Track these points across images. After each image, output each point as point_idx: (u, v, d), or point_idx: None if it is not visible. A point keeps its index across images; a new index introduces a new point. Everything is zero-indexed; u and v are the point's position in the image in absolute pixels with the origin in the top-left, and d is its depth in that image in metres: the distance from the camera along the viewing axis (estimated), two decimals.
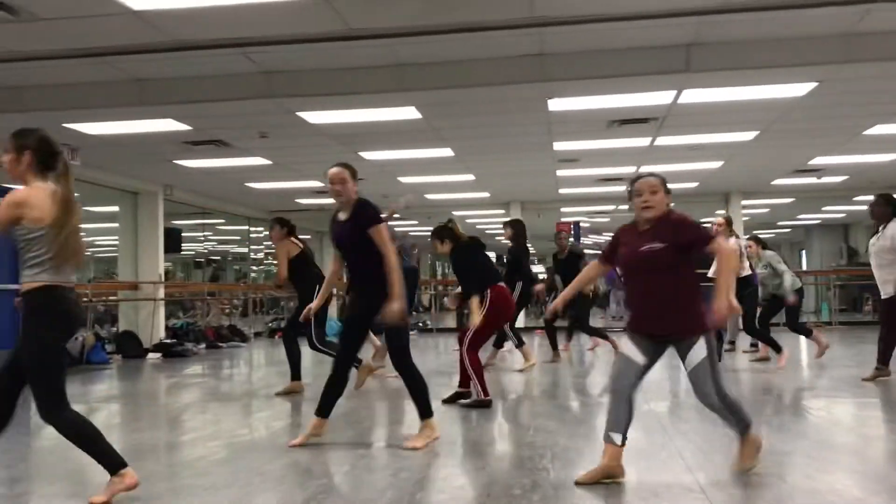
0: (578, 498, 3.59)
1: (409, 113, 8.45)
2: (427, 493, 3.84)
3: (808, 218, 22.71)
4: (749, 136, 10.28)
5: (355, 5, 5.80)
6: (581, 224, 19.36)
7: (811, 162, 12.57)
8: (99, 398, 7.64)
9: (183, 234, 16.27)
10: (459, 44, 6.77)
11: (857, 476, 3.98)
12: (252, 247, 19.94)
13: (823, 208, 20.06)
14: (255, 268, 20.84)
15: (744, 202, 16.58)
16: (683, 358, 3.77)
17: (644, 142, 10.51)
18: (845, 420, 5.74)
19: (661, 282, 3.78)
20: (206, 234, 20.11)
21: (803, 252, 27.28)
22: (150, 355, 11.80)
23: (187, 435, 5.63)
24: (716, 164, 12.60)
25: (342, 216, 4.91)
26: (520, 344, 8.87)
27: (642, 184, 3.99)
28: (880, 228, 7.18)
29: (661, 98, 8.15)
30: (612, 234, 4.28)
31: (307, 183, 13.42)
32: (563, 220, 19.04)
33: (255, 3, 5.70)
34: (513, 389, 7.50)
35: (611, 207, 17.64)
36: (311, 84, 7.47)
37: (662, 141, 10.43)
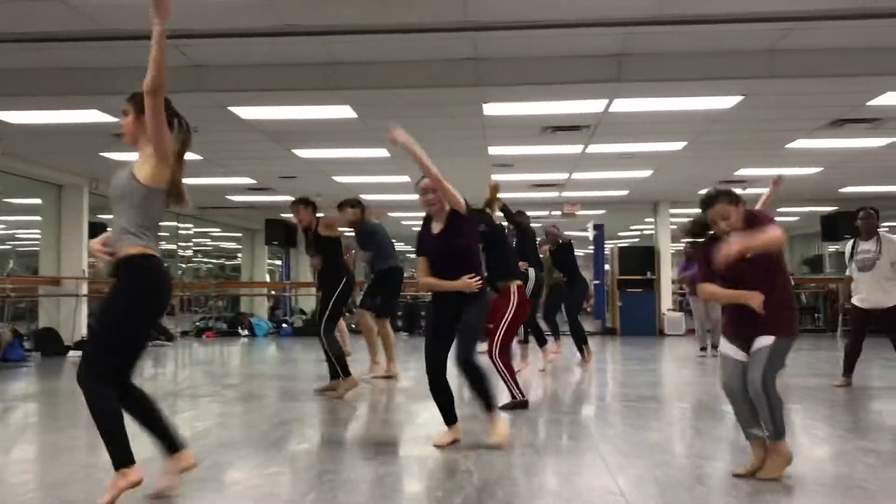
0: (499, 501, 3.62)
1: (345, 112, 8.40)
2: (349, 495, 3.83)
3: None
4: (678, 146, 10.53)
5: (291, 2, 5.74)
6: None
7: (737, 173, 12.95)
8: (15, 396, 7.38)
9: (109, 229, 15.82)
10: (395, 44, 6.77)
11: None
12: (180, 244, 19.52)
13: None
14: (182, 265, 20.41)
15: (672, 210, 16.98)
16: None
17: (576, 149, 10.67)
18: None
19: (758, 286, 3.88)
20: None
21: None
22: (71, 353, 11.43)
23: None
24: (646, 173, 12.87)
25: (436, 227, 4.90)
26: (543, 342, 9.03)
27: (713, 214, 4.12)
28: (869, 243, 7.25)
29: (593, 106, 8.28)
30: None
31: (239, 179, 13.21)
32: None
33: None
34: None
35: (544, 213, 17.85)
36: (244, 79, 7.36)
37: (594, 149, 10.61)
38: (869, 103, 8.14)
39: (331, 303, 6.91)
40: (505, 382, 6.05)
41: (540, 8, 5.81)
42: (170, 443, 3.59)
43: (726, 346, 4.06)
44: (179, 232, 18.69)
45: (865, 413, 6.31)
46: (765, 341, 3.86)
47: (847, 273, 7.58)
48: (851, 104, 8.27)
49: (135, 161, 3.64)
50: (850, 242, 7.57)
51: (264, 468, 4.31)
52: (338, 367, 6.80)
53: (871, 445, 4.75)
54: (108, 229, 3.74)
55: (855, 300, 7.34)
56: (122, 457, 3.40)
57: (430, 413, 6.24)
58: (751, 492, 3.71)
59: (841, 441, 4.99)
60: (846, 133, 9.59)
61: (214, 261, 29.85)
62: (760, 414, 3.89)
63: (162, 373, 9.98)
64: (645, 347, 11.64)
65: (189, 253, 21.55)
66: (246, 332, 16.42)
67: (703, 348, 10.81)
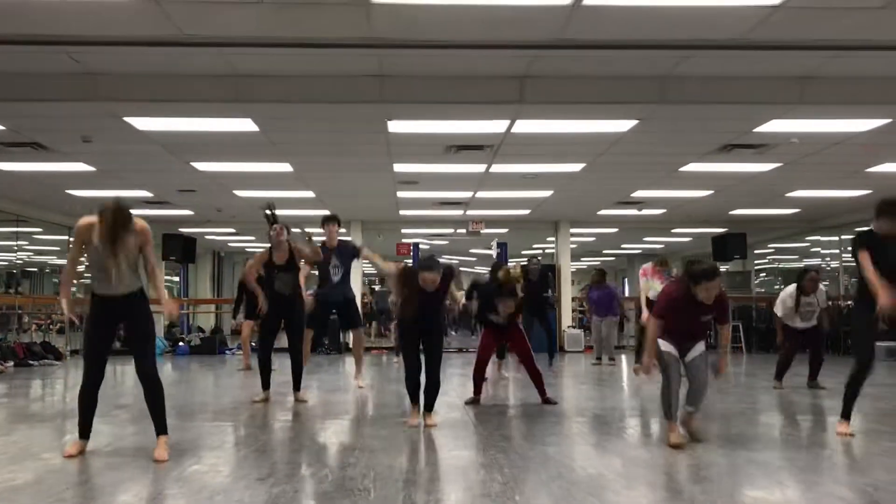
0: None
1: (246, 125, 8.26)
2: None
3: (631, 247, 24.16)
4: (577, 167, 10.81)
5: (188, 11, 5.62)
6: (420, 245, 19.61)
7: (633, 194, 13.39)
8: None
9: None
10: (299, 58, 6.72)
11: (660, 491, 4.23)
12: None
13: (644, 238, 21.40)
14: (75, 281, 19.53)
15: (572, 230, 17.40)
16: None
17: (480, 168, 10.81)
18: (658, 437, 6.10)
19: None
20: (20, 243, 18.66)
21: (626, 279, 28.98)
22: None
23: None
24: (547, 193, 13.15)
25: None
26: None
27: (713, 284, 5.19)
28: (811, 297, 8.60)
29: (495, 126, 8.43)
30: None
31: (134, 192, 12.78)
32: (404, 241, 19.22)
33: (78, 1, 5.39)
34: (344, 410, 7.44)
35: (449, 230, 17.98)
36: (139, 89, 7.16)
37: (497, 168, 10.78)
38: (755, 130, 8.58)
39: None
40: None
41: (444, 28, 5.89)
42: None
43: (668, 347, 5.36)
44: (70, 246, 17.90)
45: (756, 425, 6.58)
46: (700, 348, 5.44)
47: (780, 314, 8.85)
48: (740, 130, 8.69)
49: None
50: (795, 295, 8.65)
51: (152, 490, 4.15)
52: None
53: (758, 456, 4.96)
54: None
55: (790, 324, 8.75)
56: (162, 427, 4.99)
57: (330, 431, 6.17)
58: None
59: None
60: (735, 158, 10.06)
61: None
62: (700, 398, 5.45)
63: (50, 392, 9.51)
64: (544, 362, 11.82)
65: (81, 269, 20.62)
66: None
67: (599, 358, 12.54)
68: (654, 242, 21.96)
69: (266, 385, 7.54)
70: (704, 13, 5.75)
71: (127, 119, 7.96)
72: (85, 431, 5.06)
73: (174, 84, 7.14)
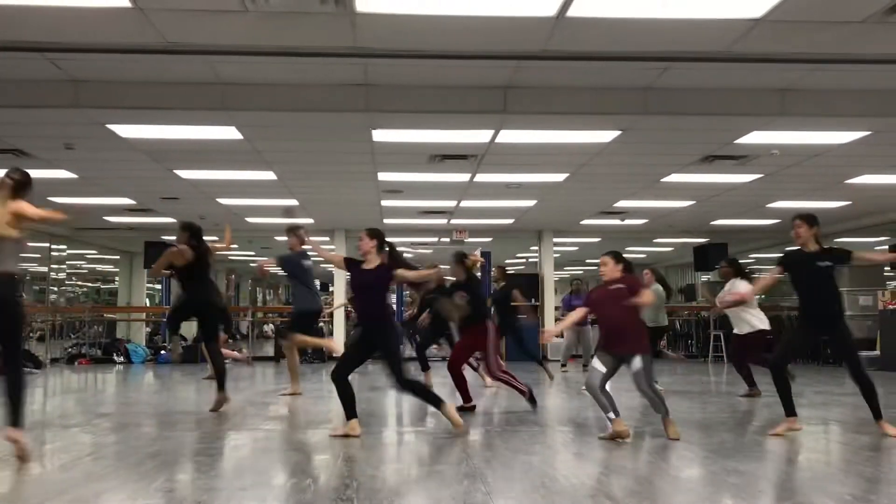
0: None
1: (230, 133, 8.23)
2: None
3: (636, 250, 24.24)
4: (560, 177, 10.86)
5: (173, 19, 5.61)
6: (405, 254, 19.57)
7: (616, 204, 13.46)
8: None
9: None
10: (284, 66, 6.71)
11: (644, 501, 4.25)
12: (52, 266, 18.54)
13: (627, 248, 21.50)
14: (55, 288, 19.39)
15: (555, 239, 17.46)
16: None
17: (464, 177, 10.84)
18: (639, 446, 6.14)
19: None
20: None
21: None
22: None
23: None
24: (530, 203, 13.19)
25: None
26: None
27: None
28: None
29: (480, 136, 8.45)
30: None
31: (117, 200, 12.71)
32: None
33: (61, 6, 5.37)
34: (327, 419, 7.42)
35: (433, 239, 17.99)
36: (123, 96, 7.11)
37: (481, 178, 10.81)
38: (737, 141, 8.66)
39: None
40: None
41: (429, 38, 5.91)
42: None
43: (596, 361, 5.98)
44: (52, 254, 17.76)
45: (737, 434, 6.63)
46: (637, 361, 5.85)
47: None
48: (721, 141, 8.76)
49: None
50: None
51: (133, 501, 4.12)
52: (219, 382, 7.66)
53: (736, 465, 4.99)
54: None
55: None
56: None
57: (309, 441, 6.15)
58: None
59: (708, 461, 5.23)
60: (716, 169, 10.14)
61: (90, 284, 28.47)
62: (653, 406, 5.99)
63: (29, 402, 9.40)
64: (529, 372, 11.84)
65: (62, 276, 20.49)
66: (122, 358, 15.72)
67: (564, 365, 13.03)
68: (637, 252, 22.06)
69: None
70: (687, 26, 5.80)
71: (110, 126, 7.91)
72: None
73: (158, 92, 7.11)
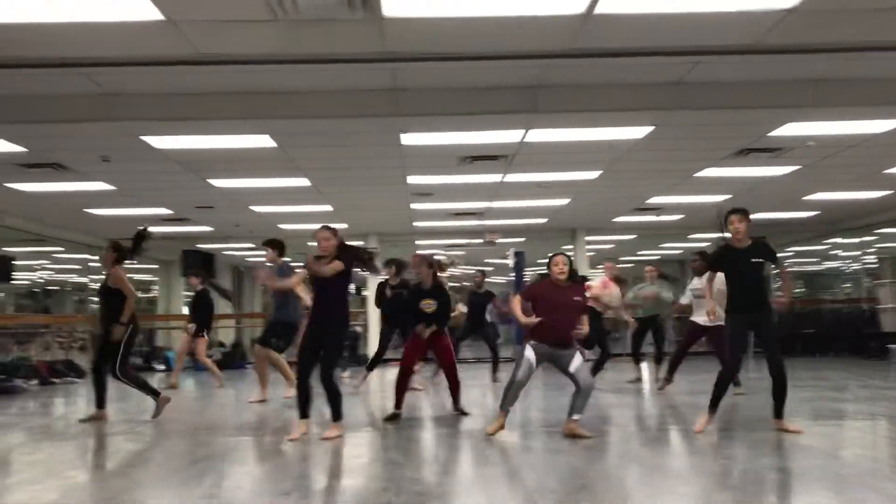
0: None
1: (264, 141, 8.31)
2: None
3: (649, 253, 24.03)
4: (593, 174, 10.79)
5: (204, 31, 5.68)
6: (435, 257, 19.58)
7: (649, 201, 13.34)
8: None
9: (16, 263, 15.17)
10: (313, 74, 6.76)
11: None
12: (91, 276, 18.86)
13: (661, 245, 21.29)
14: (95, 299, 19.68)
15: (589, 238, 17.34)
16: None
17: (495, 178, 10.82)
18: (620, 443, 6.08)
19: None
20: (41, 262, 18.87)
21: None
22: None
23: (13, 478, 5.20)
24: (563, 201, 13.13)
25: None
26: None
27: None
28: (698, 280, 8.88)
29: (510, 136, 8.43)
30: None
31: (153, 210, 12.89)
32: (418, 252, 19.21)
33: (96, 23, 5.46)
34: (360, 422, 7.45)
35: (464, 241, 17.99)
36: (156, 108, 7.21)
37: (512, 178, 10.78)
38: (771, 133, 8.54)
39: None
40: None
41: (456, 40, 5.92)
42: None
43: (529, 353, 6.10)
44: (90, 265, 18.06)
45: None
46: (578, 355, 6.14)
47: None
48: (755, 134, 8.65)
49: None
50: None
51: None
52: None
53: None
54: None
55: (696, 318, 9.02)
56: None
57: (346, 451, 6.19)
58: None
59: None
60: (751, 162, 10.01)
61: None
62: (582, 400, 6.06)
63: (72, 411, 9.58)
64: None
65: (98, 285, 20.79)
66: (162, 366, 15.92)
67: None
68: (671, 248, 21.84)
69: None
70: (717, 19, 5.73)
71: (144, 138, 8.04)
72: None
73: (191, 102, 7.20)
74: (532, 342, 6.13)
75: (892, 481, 4.45)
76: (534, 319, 6.07)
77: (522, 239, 17.66)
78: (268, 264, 9.15)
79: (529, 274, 18.88)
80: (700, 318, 8.68)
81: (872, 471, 4.75)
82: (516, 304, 6.39)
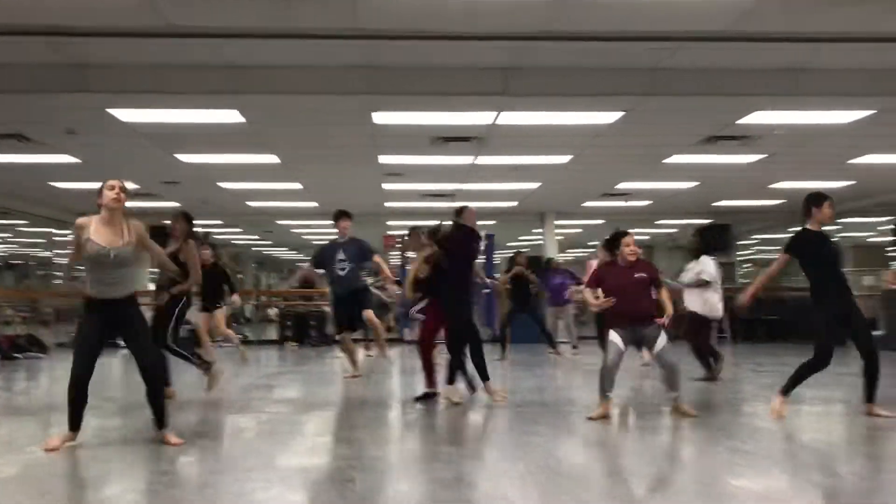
0: None
1: (232, 116, 8.22)
2: None
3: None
4: (563, 159, 10.83)
5: (175, 2, 5.59)
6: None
7: (618, 186, 13.43)
8: None
9: None
10: (284, 49, 6.69)
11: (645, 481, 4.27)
12: (56, 251, 18.57)
13: (629, 230, 21.41)
14: (59, 273, 19.39)
15: (558, 222, 17.43)
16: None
17: (467, 160, 10.81)
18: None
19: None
20: (4, 235, 18.55)
21: None
22: None
23: None
24: (534, 185, 13.17)
25: None
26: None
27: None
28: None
29: (481, 118, 8.43)
30: None
31: None
32: (389, 233, 19.18)
33: None
34: (332, 401, 7.45)
35: (435, 222, 17.93)
36: (124, 80, 7.10)
37: (484, 160, 10.78)
38: (739, 121, 8.63)
39: None
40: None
41: (429, 19, 5.89)
42: None
43: (614, 336, 5.99)
44: (55, 239, 17.79)
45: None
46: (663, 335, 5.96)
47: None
48: (724, 122, 8.73)
49: None
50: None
51: (140, 482, 4.15)
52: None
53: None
54: None
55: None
56: None
57: (317, 421, 6.18)
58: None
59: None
60: (719, 149, 10.11)
61: None
62: (672, 378, 5.99)
63: (34, 386, 9.47)
64: (532, 354, 11.87)
65: (65, 260, 20.50)
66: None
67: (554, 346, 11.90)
68: (640, 234, 22.00)
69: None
70: (690, 4, 5.77)
71: (110, 111, 7.90)
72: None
73: (159, 76, 7.09)
74: (614, 328, 6.09)
75: (845, 464, 4.57)
76: (604, 302, 6.15)
77: (493, 222, 17.70)
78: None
79: (500, 256, 18.93)
80: (698, 306, 8.68)
81: (826, 454, 4.87)
82: (588, 293, 6.43)
